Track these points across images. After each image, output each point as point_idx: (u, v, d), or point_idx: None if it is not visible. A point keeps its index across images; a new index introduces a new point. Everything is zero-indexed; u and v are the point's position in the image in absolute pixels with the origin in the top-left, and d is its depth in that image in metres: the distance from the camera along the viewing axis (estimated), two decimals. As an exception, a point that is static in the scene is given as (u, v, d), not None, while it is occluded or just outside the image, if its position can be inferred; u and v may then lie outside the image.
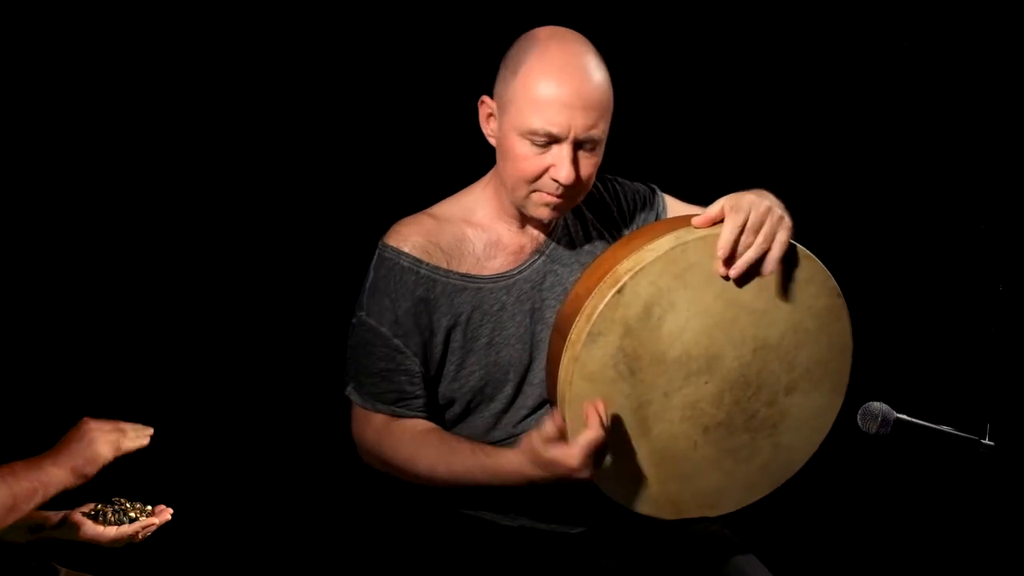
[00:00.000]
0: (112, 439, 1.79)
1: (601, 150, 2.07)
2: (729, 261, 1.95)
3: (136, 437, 1.82)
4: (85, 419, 1.81)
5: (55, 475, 1.74)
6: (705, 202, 2.05)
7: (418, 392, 2.11)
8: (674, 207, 2.30)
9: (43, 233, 2.75)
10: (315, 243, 2.96)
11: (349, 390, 2.15)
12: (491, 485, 2.03)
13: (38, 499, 1.73)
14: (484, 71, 2.12)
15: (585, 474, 1.91)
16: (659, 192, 2.32)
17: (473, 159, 2.20)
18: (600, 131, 2.03)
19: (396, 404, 2.11)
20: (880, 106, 3.13)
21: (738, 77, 3.11)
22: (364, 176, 2.97)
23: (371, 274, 2.12)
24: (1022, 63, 3.03)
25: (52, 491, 1.74)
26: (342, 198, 2.96)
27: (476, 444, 2.09)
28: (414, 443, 2.08)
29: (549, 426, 1.91)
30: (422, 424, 2.11)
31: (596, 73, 2.02)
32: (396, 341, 2.09)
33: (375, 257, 2.13)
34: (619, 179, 2.29)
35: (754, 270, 1.98)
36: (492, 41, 2.14)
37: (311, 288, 2.96)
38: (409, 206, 2.19)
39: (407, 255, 2.09)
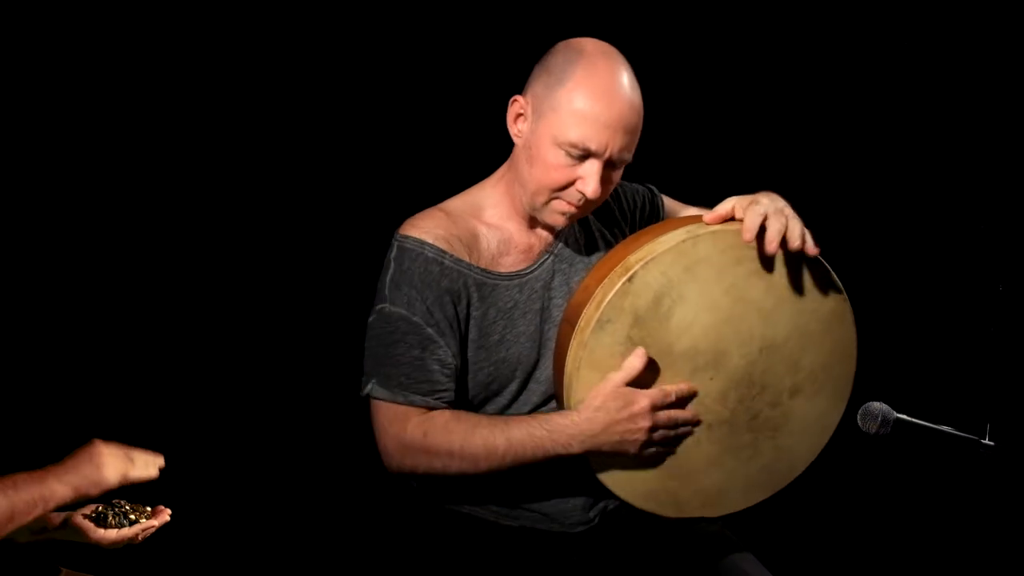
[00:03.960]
0: (120, 466, 1.77)
1: (622, 169, 2.09)
2: (759, 245, 1.95)
3: (145, 467, 1.80)
4: (96, 440, 1.79)
5: (57, 491, 1.73)
6: (707, 205, 2.05)
7: (449, 384, 2.08)
8: (672, 208, 2.32)
9: (57, 231, 2.76)
10: (319, 244, 2.96)
11: (372, 387, 2.08)
12: (548, 458, 2.01)
13: (37, 512, 1.71)
14: (485, 70, 2.12)
15: (643, 431, 1.97)
16: (657, 192, 2.33)
17: (476, 157, 2.20)
18: (631, 154, 2.05)
19: (430, 395, 2.06)
20: (881, 107, 3.13)
21: (739, 80, 3.11)
22: (365, 178, 2.97)
23: (392, 266, 2.08)
24: (1022, 63, 3.03)
25: (52, 506, 1.72)
26: (345, 200, 2.96)
27: (527, 417, 2.07)
28: (463, 426, 2.04)
29: (634, 362, 1.95)
30: (459, 412, 2.08)
31: (637, 96, 2.04)
32: (429, 330, 2.06)
33: (394, 249, 2.09)
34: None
35: (773, 268, 1.99)
36: (494, 41, 2.14)
37: (313, 288, 2.97)
38: (409, 205, 2.18)
39: (431, 246, 2.08)
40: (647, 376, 2.00)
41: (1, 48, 2.64)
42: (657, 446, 2.01)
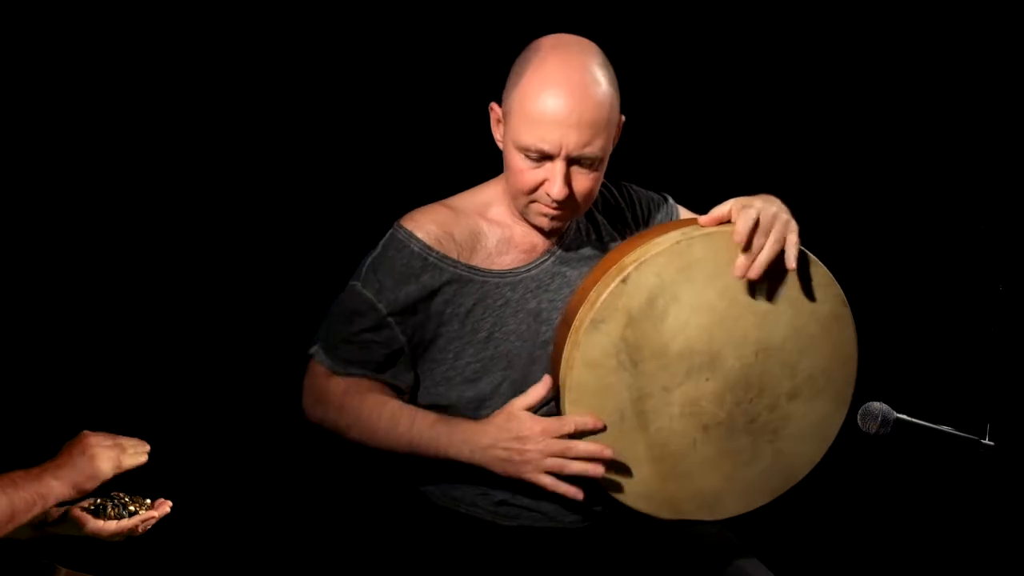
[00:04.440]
0: (112, 455, 1.80)
1: (601, 166, 2.06)
2: (745, 258, 1.97)
3: (135, 454, 1.83)
4: (85, 433, 1.81)
5: (55, 488, 1.75)
6: (706, 206, 2.05)
7: (390, 366, 2.12)
8: (687, 217, 2.30)
9: (54, 230, 2.75)
10: (322, 242, 2.96)
11: (315, 350, 2.15)
12: (443, 457, 2.05)
13: (36, 510, 1.74)
14: (500, 69, 2.12)
15: (534, 452, 1.98)
16: (672, 201, 2.32)
17: (489, 155, 2.20)
18: (596, 149, 2.02)
19: (368, 369, 2.12)
20: (880, 108, 3.13)
21: (741, 83, 3.11)
22: (378, 173, 2.97)
23: (378, 249, 2.12)
24: (1022, 63, 3.03)
25: (51, 503, 1.75)
26: (355, 195, 2.96)
27: (437, 415, 2.10)
28: (379, 400, 2.10)
29: (538, 389, 1.99)
30: (382, 388, 2.12)
31: (594, 89, 2.00)
32: (390, 319, 2.09)
33: (387, 235, 2.13)
34: (633, 186, 2.30)
35: (769, 271, 1.99)
36: (510, 41, 2.14)
37: (314, 286, 2.96)
38: (421, 200, 2.19)
39: (418, 240, 2.10)
40: (643, 377, 2.00)
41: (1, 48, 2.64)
42: (552, 472, 2.01)
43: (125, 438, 1.84)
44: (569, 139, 1.98)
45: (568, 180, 2.02)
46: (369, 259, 2.13)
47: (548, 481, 2.01)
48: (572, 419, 2.00)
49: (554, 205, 2.04)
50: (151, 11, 2.76)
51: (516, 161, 2.03)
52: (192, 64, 2.82)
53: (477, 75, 2.62)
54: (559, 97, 1.98)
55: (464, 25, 2.93)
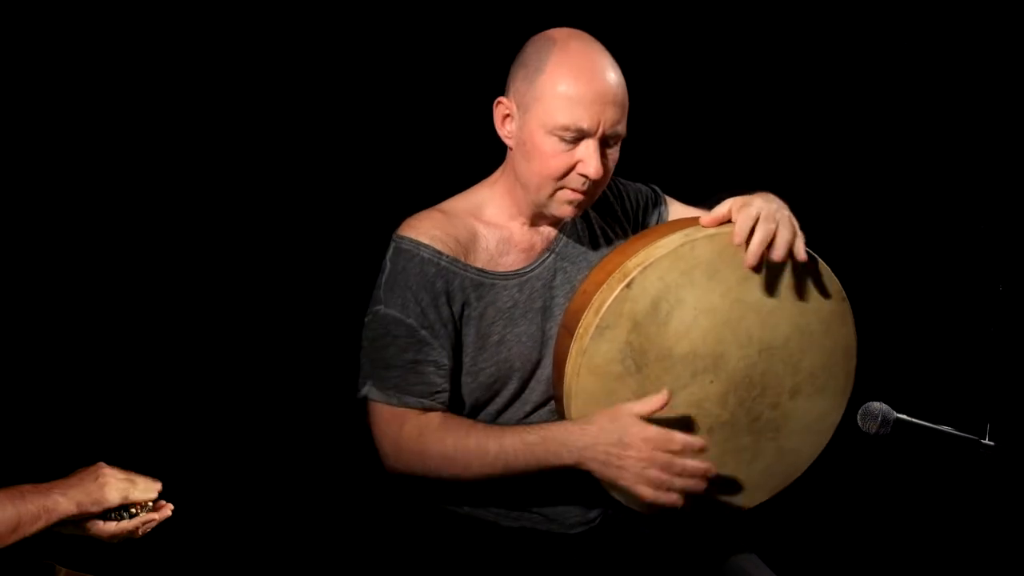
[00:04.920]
0: (122, 487, 1.88)
1: (619, 147, 2.09)
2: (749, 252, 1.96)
3: (145, 490, 1.91)
4: (102, 464, 1.90)
5: (61, 504, 1.83)
6: (707, 205, 2.05)
7: (444, 385, 2.08)
8: (676, 208, 2.32)
9: (56, 232, 2.75)
10: (319, 244, 2.96)
11: (367, 389, 2.09)
12: (538, 467, 2.00)
13: (41, 524, 1.81)
14: (485, 72, 2.12)
15: (633, 460, 1.92)
16: (661, 193, 2.33)
17: (476, 159, 2.20)
18: (623, 127, 2.06)
19: (425, 397, 2.07)
20: (880, 107, 3.13)
21: (739, 78, 3.11)
22: (366, 178, 2.97)
23: (388, 267, 2.09)
24: (1022, 63, 3.03)
25: (55, 518, 1.83)
26: (345, 200, 2.96)
27: (521, 426, 2.07)
28: (458, 430, 2.04)
29: (654, 401, 1.93)
30: (455, 416, 2.09)
31: (617, 71, 2.05)
32: (423, 332, 2.06)
33: (391, 250, 2.10)
34: (621, 179, 2.30)
35: (771, 270, 1.99)
36: (493, 43, 2.14)
37: (311, 286, 2.97)
38: (410, 206, 2.18)
39: (427, 246, 2.08)
40: (648, 382, 2.00)
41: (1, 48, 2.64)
42: (652, 484, 1.95)
43: (139, 476, 1.92)
44: (606, 116, 2.01)
45: (601, 158, 2.03)
46: (382, 280, 2.09)
47: (648, 493, 1.94)
48: (681, 437, 1.93)
49: (584, 187, 2.05)
50: (153, 13, 2.75)
51: (547, 146, 2.03)
52: (191, 67, 2.82)
53: (460, 80, 2.64)
54: (595, 77, 2.01)
55: (452, 28, 2.93)
